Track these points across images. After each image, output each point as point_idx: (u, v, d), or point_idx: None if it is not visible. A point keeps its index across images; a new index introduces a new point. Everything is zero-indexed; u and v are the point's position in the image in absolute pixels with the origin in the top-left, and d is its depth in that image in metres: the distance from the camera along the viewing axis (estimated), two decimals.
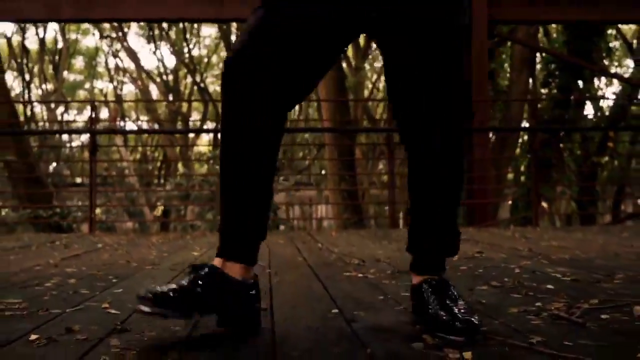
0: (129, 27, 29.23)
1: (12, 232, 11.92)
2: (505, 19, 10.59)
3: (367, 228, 12.11)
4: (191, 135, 31.32)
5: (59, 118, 33.08)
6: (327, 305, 2.24)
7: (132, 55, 27.74)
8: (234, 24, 22.24)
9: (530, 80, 19.13)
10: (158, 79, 31.32)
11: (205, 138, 32.48)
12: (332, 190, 12.65)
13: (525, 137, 20.47)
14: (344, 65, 24.46)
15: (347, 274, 3.18)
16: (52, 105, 29.83)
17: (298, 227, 15.31)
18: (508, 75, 16.73)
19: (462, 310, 1.83)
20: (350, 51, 25.10)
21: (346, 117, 11.59)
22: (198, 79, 28.28)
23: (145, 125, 33.44)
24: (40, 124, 31.82)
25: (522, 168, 17.68)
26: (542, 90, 17.87)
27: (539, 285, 2.65)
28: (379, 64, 30.59)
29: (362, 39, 23.22)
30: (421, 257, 2.08)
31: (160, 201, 16.86)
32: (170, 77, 31.32)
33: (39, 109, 33.06)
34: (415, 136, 2.04)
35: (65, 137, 33.11)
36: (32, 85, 31.91)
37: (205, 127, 29.65)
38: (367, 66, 27.18)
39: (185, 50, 27.70)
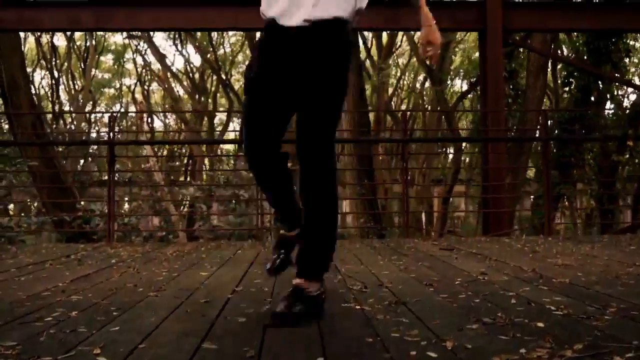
0: None
1: (36, 237, 12.12)
2: (519, 28, 10.63)
3: (384, 238, 12.16)
4: (216, 132, 31.45)
5: (87, 114, 33.39)
6: (315, 351, 2.27)
7: (158, 54, 27.91)
8: None
9: (550, 77, 19.00)
10: (184, 78, 31.50)
11: (231, 134, 32.59)
12: (350, 199, 12.79)
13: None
14: (367, 63, 24.47)
15: (345, 305, 3.21)
16: (80, 102, 30.12)
17: None
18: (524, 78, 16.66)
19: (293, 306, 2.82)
20: (373, 50, 25.05)
21: (365, 126, 11.66)
22: (223, 76, 28.34)
23: (172, 123, 33.61)
24: (68, 119, 32.19)
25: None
26: (564, 89, 17.75)
27: (530, 322, 2.66)
28: (403, 60, 30.62)
29: (384, 39, 23.22)
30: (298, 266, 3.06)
31: (186, 200, 16.94)
32: (197, 75, 31.47)
33: (67, 106, 33.35)
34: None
35: (93, 134, 33.40)
36: (61, 83, 32.26)
37: (230, 125, 29.76)
38: (390, 62, 27.03)
39: (211, 49, 27.72)
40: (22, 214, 13.06)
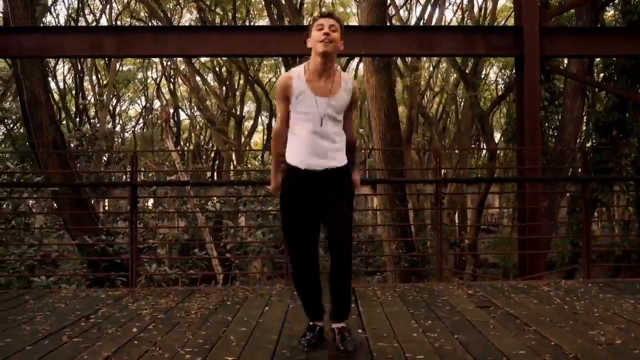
0: (179, 22, 29.24)
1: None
2: (556, 54, 10.51)
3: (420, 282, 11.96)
4: (245, 127, 31.23)
5: (111, 110, 33.42)
6: None
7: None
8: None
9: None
10: (209, 73, 31.33)
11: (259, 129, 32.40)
12: (388, 241, 12.86)
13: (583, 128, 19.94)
14: (399, 63, 24.06)
15: None
16: (104, 99, 30.11)
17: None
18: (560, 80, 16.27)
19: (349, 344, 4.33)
20: None
21: (397, 140, 11.50)
22: (252, 75, 28.15)
23: (198, 116, 33.34)
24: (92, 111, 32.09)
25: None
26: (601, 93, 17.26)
27: None
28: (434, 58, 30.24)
29: None
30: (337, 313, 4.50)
31: (213, 206, 16.77)
32: (224, 69, 31.29)
33: (91, 98, 33.40)
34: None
35: (118, 127, 33.24)
36: (85, 77, 32.34)
37: (255, 123, 29.40)
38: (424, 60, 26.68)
39: None
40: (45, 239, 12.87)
